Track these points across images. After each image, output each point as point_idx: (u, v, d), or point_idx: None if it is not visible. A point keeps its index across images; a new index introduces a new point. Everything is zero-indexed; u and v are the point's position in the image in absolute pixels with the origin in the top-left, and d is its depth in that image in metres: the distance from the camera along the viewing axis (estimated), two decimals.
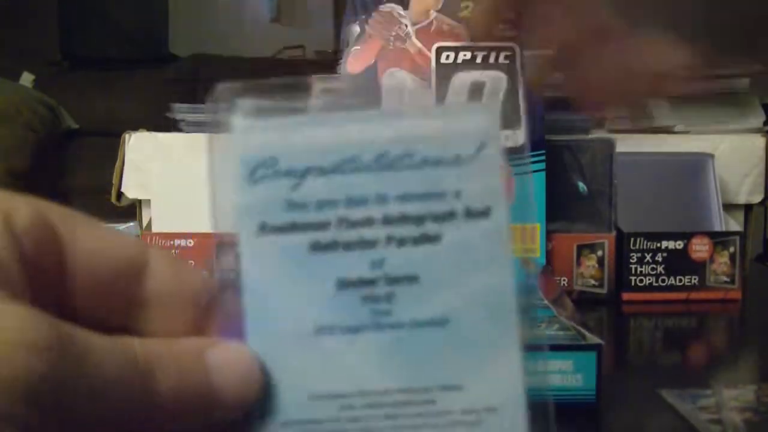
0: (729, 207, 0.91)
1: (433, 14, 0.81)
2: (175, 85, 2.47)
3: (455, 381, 0.24)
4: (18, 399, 0.19)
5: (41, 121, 2.37)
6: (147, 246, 0.25)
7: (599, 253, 0.81)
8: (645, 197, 0.88)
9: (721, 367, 0.68)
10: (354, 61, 0.82)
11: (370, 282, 0.24)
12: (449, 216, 0.25)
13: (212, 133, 0.25)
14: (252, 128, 0.25)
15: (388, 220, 0.24)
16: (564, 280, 0.80)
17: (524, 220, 0.26)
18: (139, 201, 0.91)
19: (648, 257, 0.81)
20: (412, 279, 0.24)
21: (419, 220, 0.24)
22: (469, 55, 0.76)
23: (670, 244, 0.81)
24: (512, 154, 0.25)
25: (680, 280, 0.81)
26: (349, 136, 0.25)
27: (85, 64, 2.77)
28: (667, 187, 0.89)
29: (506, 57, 0.75)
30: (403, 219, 0.24)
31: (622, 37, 0.26)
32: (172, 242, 0.80)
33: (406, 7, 0.82)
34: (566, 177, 0.82)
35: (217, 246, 0.25)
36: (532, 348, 0.25)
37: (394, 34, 0.81)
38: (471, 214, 0.25)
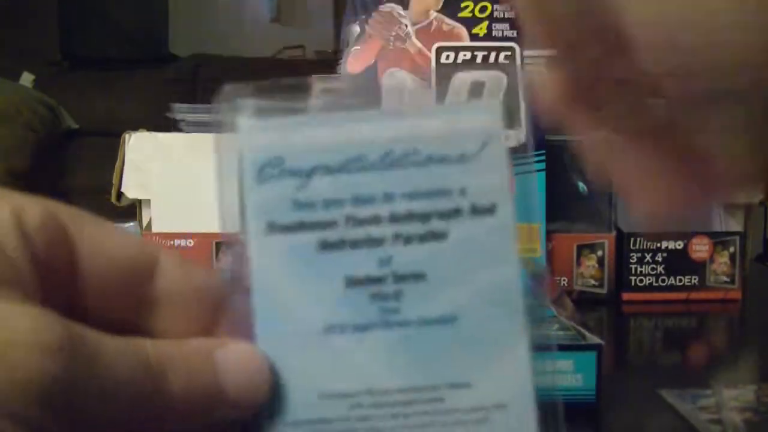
0: (729, 207, 0.91)
1: (433, 14, 0.81)
2: (175, 85, 2.48)
3: (463, 379, 0.24)
4: (32, 401, 0.19)
5: (41, 121, 2.37)
6: (157, 246, 0.25)
7: (599, 253, 0.81)
8: None
9: (721, 367, 0.68)
10: (354, 61, 0.82)
11: (378, 280, 0.24)
12: (455, 213, 0.25)
13: (218, 133, 0.25)
14: (258, 128, 0.25)
15: (394, 218, 0.25)
16: (564, 280, 0.80)
17: (529, 220, 0.26)
18: (139, 201, 0.91)
19: (648, 257, 0.81)
20: (419, 276, 0.25)
21: (425, 217, 0.25)
22: (469, 55, 0.76)
23: (670, 244, 0.81)
24: (515, 153, 0.25)
25: (680, 280, 0.81)
26: (354, 135, 0.25)
27: (85, 64, 2.77)
28: None
29: (506, 57, 0.75)
30: (410, 217, 0.25)
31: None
32: (172, 242, 0.80)
33: (406, 7, 0.82)
34: (566, 177, 0.82)
35: (223, 245, 0.25)
36: (540, 348, 0.25)
37: (394, 34, 0.81)
38: (477, 211, 0.25)
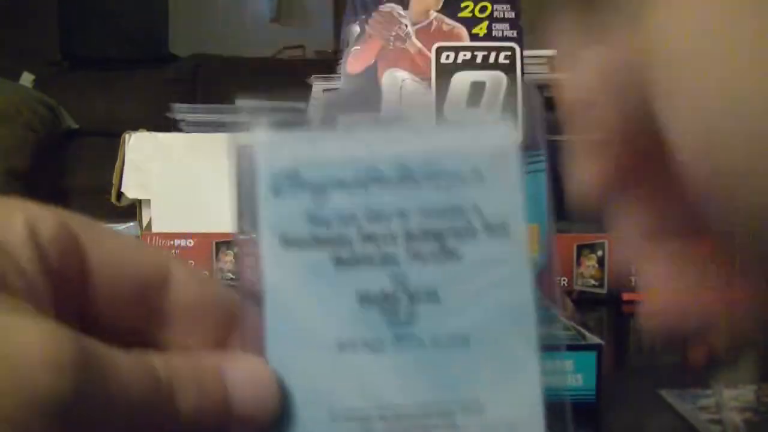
0: None
1: (433, 14, 0.81)
2: (175, 85, 2.48)
3: (476, 399, 0.24)
4: (45, 418, 0.19)
5: (41, 121, 2.37)
6: (169, 257, 0.25)
7: (599, 253, 0.81)
8: None
9: (721, 367, 0.68)
10: (354, 61, 0.82)
11: (392, 298, 0.24)
12: (469, 231, 0.24)
13: (235, 146, 0.25)
14: (274, 141, 0.25)
15: (409, 236, 0.24)
16: (564, 280, 0.80)
17: (538, 220, 0.26)
18: (139, 201, 0.91)
19: None
20: (432, 295, 0.24)
21: (439, 235, 0.24)
22: (469, 55, 0.76)
23: None
24: (525, 150, 0.26)
25: None
26: (370, 150, 0.25)
27: (85, 64, 2.77)
28: None
29: (506, 57, 0.75)
30: (424, 234, 0.24)
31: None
32: (172, 242, 0.80)
33: (406, 7, 0.82)
34: (566, 177, 0.82)
35: (237, 248, 0.25)
36: (549, 348, 0.24)
37: (394, 34, 0.81)
38: (490, 229, 0.25)
